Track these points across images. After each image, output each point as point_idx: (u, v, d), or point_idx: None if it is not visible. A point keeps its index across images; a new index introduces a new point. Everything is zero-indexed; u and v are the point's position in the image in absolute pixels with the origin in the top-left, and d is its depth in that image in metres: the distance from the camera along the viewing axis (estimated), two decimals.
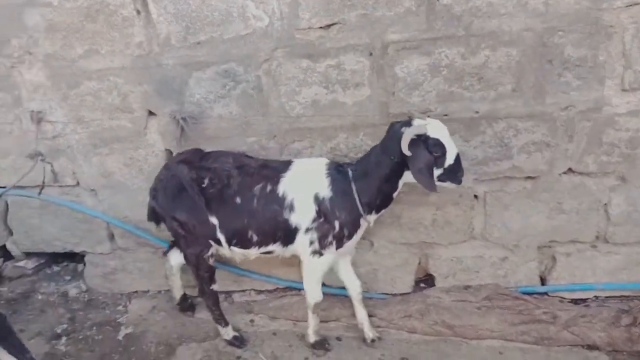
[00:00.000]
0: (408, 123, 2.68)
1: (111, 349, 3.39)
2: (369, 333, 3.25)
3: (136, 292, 3.86)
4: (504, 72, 2.84)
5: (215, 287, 3.22)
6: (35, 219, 3.78)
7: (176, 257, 3.42)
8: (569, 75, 2.80)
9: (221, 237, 3.00)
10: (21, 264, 4.00)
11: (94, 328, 3.59)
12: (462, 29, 2.79)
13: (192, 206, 2.93)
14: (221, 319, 3.34)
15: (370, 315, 3.36)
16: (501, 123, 2.96)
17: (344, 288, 3.53)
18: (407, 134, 2.59)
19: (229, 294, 3.78)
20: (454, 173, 2.71)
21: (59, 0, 3.09)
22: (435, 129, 2.64)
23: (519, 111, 2.91)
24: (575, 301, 3.31)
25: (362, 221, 2.92)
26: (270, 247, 3.01)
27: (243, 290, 3.76)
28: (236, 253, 3.09)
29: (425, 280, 3.58)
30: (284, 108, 3.15)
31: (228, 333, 3.36)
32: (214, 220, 2.95)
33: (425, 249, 3.40)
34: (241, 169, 2.95)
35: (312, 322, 3.20)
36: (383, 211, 2.97)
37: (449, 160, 2.67)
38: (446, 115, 2.99)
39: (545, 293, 3.35)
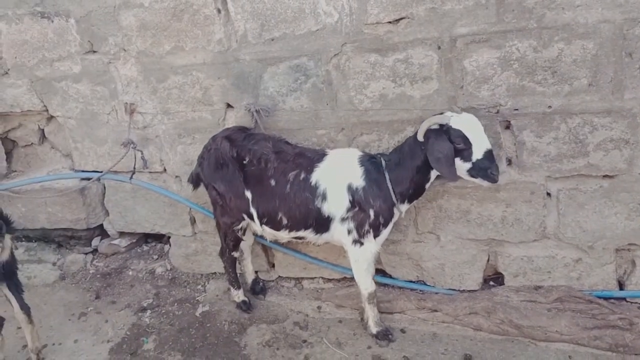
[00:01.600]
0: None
1: (189, 324, 3.66)
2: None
3: (214, 273, 4.12)
4: (579, 65, 2.72)
5: (235, 254, 3.53)
6: (128, 201, 4.15)
7: (247, 242, 3.62)
8: None
9: (254, 212, 3.17)
10: (115, 242, 4.40)
11: (175, 304, 3.89)
12: (534, 21, 2.71)
13: (231, 180, 3.15)
14: (235, 282, 3.65)
15: (434, 310, 3.38)
16: (576, 119, 2.84)
17: (410, 281, 3.58)
18: (426, 122, 2.72)
19: (299, 280, 3.94)
20: (484, 169, 2.69)
21: (150, 1, 3.37)
22: (461, 122, 2.68)
23: (596, 106, 2.78)
24: None
25: (395, 210, 2.98)
26: (302, 233, 3.13)
27: (312, 278, 3.89)
28: (267, 232, 3.26)
29: (495, 278, 3.51)
30: (352, 102, 3.22)
31: (238, 296, 3.68)
32: (248, 194, 3.14)
33: (494, 246, 3.33)
34: (279, 154, 3.08)
35: (371, 312, 3.27)
36: (415, 201, 3.06)
37: (477, 154, 2.68)
38: (517, 110, 2.92)
39: (624, 299, 3.17)
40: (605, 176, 2.93)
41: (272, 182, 3.06)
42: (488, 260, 3.39)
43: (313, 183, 3.00)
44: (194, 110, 3.60)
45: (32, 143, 4.50)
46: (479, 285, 3.46)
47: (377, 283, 3.65)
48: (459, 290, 3.49)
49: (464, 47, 2.89)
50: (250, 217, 3.23)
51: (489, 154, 2.68)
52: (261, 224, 3.20)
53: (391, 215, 3.01)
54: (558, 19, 2.66)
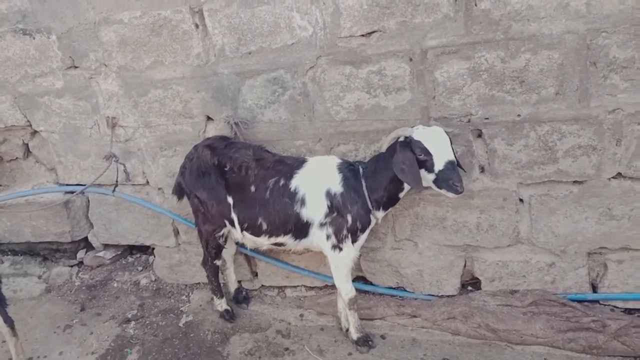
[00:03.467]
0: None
1: (173, 335, 3.70)
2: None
3: (198, 283, 4.17)
4: (545, 75, 2.80)
5: (217, 262, 3.57)
6: (112, 214, 4.19)
7: (229, 251, 3.68)
8: (616, 77, 2.72)
9: (235, 218, 3.23)
10: (100, 254, 4.43)
11: (160, 315, 3.93)
12: (501, 33, 2.79)
13: (213, 187, 3.21)
14: (217, 291, 3.71)
15: (414, 316, 3.44)
16: (545, 126, 2.92)
17: (390, 287, 3.63)
18: (391, 135, 2.87)
19: (281, 289, 3.99)
20: (446, 180, 2.75)
21: (129, 17, 3.43)
22: (423, 134, 2.77)
23: (563, 114, 2.86)
24: (628, 311, 3.18)
25: (371, 216, 3.06)
26: (281, 239, 3.18)
27: (295, 286, 3.94)
28: (247, 239, 3.31)
29: (473, 283, 3.58)
30: (328, 113, 3.29)
31: (221, 305, 3.74)
32: (230, 200, 3.21)
33: (470, 252, 3.40)
34: (259, 161, 3.16)
35: (352, 318, 3.33)
36: (390, 209, 3.14)
37: (438, 165, 2.74)
38: (487, 118, 3.00)
39: (597, 301, 3.24)
40: (575, 182, 3.00)
41: (253, 189, 3.13)
42: (465, 265, 3.45)
43: (292, 189, 3.06)
44: (175, 123, 3.66)
45: (17, 157, 4.53)
46: (457, 291, 3.52)
47: (357, 290, 3.72)
48: (437, 295, 3.56)
49: (435, 58, 2.96)
50: (232, 223, 3.29)
51: (450, 165, 2.73)
52: (242, 230, 3.26)
53: (368, 221, 3.07)
54: (524, 30, 2.75)
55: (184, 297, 4.12)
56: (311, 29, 3.12)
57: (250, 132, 3.46)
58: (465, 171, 3.07)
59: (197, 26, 3.34)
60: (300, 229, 3.11)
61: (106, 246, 4.46)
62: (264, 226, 3.15)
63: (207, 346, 3.56)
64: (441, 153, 2.74)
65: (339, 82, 3.20)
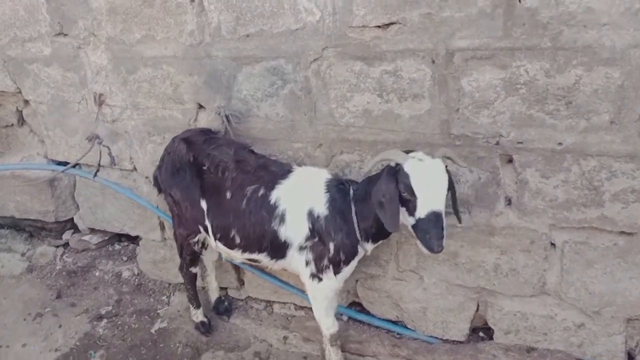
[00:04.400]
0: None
1: (142, 342, 3.35)
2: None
3: (182, 284, 3.77)
4: (600, 97, 2.20)
5: (193, 269, 3.22)
6: (98, 198, 3.85)
7: (210, 256, 3.27)
8: None
9: (208, 225, 2.80)
10: (86, 238, 4.12)
11: (134, 315, 3.58)
12: (548, 39, 2.20)
13: (187, 186, 2.79)
14: (193, 300, 3.34)
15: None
16: (591, 161, 2.32)
17: (388, 320, 3.15)
18: (380, 155, 2.33)
19: (269, 303, 3.56)
20: (423, 232, 2.20)
21: None
22: (415, 167, 2.20)
23: (617, 149, 2.26)
24: None
25: (359, 247, 2.59)
26: (256, 256, 2.75)
27: (284, 303, 3.51)
28: (221, 249, 2.88)
29: (486, 329, 3.04)
30: (332, 115, 2.79)
31: (197, 316, 3.37)
32: (204, 205, 2.78)
33: (485, 295, 2.86)
34: (239, 163, 2.71)
35: (334, 356, 2.90)
36: (381, 242, 2.63)
37: (420, 211, 2.19)
38: (521, 143, 2.43)
39: None
40: (622, 232, 2.41)
41: (228, 195, 2.69)
42: (477, 310, 2.92)
43: (272, 202, 2.61)
44: (164, 107, 3.23)
45: (12, 124, 4.24)
46: (464, 336, 3.00)
47: (350, 319, 3.27)
48: (441, 339, 3.05)
49: (463, 63, 2.40)
50: (206, 230, 2.86)
51: (433, 216, 2.17)
52: (215, 240, 2.83)
53: (354, 252, 2.60)
54: (578, 39, 2.15)
55: (164, 297, 3.75)
56: (319, 14, 2.60)
57: (242, 127, 3.00)
58: (460, 221, 2.49)
59: None
60: (277, 249, 2.66)
61: (93, 230, 4.13)
62: (237, 239, 2.72)
63: None
64: (428, 198, 2.18)
65: (347, 80, 2.68)
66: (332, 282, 2.65)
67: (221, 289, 3.57)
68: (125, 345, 3.33)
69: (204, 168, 2.76)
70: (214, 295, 3.49)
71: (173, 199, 2.89)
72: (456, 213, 2.44)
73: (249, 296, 3.60)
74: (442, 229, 2.17)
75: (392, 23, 2.47)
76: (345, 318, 3.32)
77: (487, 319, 2.91)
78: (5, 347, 3.38)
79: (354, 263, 2.67)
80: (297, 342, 3.28)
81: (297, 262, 2.67)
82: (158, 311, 3.61)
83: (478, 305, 2.91)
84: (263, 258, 2.74)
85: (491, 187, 2.59)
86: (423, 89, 2.54)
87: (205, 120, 3.15)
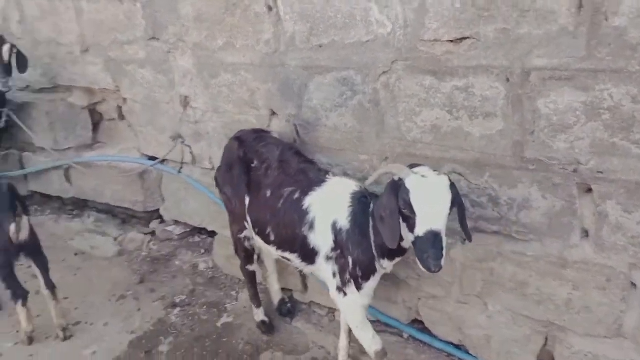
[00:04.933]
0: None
1: (207, 334, 3.49)
2: None
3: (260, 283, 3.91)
4: None
5: (250, 267, 3.27)
6: (181, 192, 4.07)
7: (270, 258, 3.38)
8: None
9: (248, 219, 2.91)
10: (170, 228, 4.38)
11: (204, 307, 3.75)
12: (637, 62, 1.97)
13: (237, 183, 2.90)
14: (254, 299, 3.40)
15: None
16: None
17: (450, 343, 3.03)
18: (382, 169, 2.32)
19: (332, 310, 3.56)
20: (421, 252, 2.11)
21: None
22: (418, 183, 2.11)
23: None
24: None
25: (376, 264, 2.51)
26: (288, 255, 2.79)
27: None
28: (260, 243, 2.99)
29: None
30: (400, 129, 2.72)
31: (258, 315, 3.44)
32: (247, 200, 2.88)
33: (554, 331, 2.65)
34: (282, 163, 2.78)
35: None
36: (397, 260, 2.53)
37: (419, 230, 2.10)
38: (601, 172, 2.21)
39: None
40: None
41: (268, 193, 2.77)
42: (545, 344, 2.71)
43: (305, 207, 2.63)
44: (241, 112, 3.34)
45: (114, 118, 4.61)
46: None
47: (411, 338, 3.18)
48: None
49: (540, 83, 2.23)
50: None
51: (431, 236, 2.07)
52: (255, 234, 2.95)
53: (372, 270, 2.54)
54: None
55: (233, 292, 3.89)
56: (390, 26, 2.54)
57: (311, 136, 3.03)
58: (469, 239, 2.38)
59: (270, 9, 2.94)
60: (307, 254, 2.68)
61: (176, 222, 4.38)
62: (272, 236, 2.79)
63: (235, 357, 3.29)
64: (427, 216, 2.08)
65: (416, 95, 2.60)
66: (356, 297, 2.60)
67: (286, 290, 3.63)
68: (192, 335, 3.50)
69: (253, 165, 2.87)
70: (276, 296, 3.56)
71: (227, 196, 3.04)
72: (464, 231, 2.34)
73: (312, 301, 3.62)
74: (441, 249, 2.09)
75: (465, 38, 2.35)
76: (405, 336, 3.24)
77: (554, 356, 2.70)
78: (89, 324, 3.68)
79: (374, 280, 2.59)
80: (355, 353, 3.23)
81: (326, 271, 2.67)
82: (226, 305, 3.75)
83: (546, 340, 2.71)
84: (295, 259, 2.78)
85: (566, 217, 2.39)
86: (496, 108, 2.39)
87: (277, 127, 3.21)
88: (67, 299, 3.91)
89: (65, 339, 3.49)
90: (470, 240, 2.39)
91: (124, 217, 4.63)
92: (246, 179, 2.87)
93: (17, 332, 3.48)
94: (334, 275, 2.61)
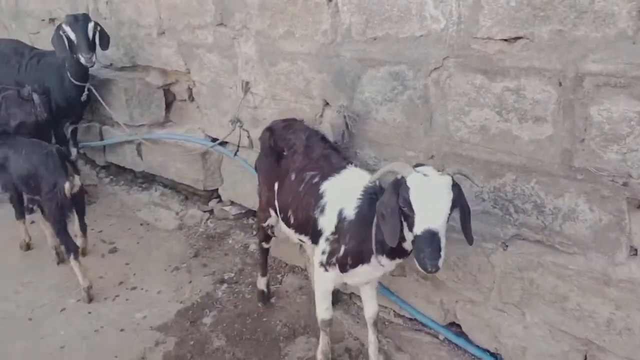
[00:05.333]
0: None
1: (249, 312, 3.62)
2: (373, 357, 3.00)
3: (296, 267, 4.00)
4: None
5: (265, 245, 3.51)
6: (238, 175, 4.23)
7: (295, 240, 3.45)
8: None
9: (277, 206, 3.03)
10: (226, 208, 4.56)
11: (250, 286, 3.88)
12: None
13: (267, 171, 3.07)
14: (262, 268, 3.63)
15: None
16: None
17: (485, 350, 2.97)
18: (386, 167, 2.31)
19: None
20: (418, 251, 2.10)
21: None
22: (418, 182, 2.11)
23: None
24: None
25: (373, 259, 2.53)
26: (303, 238, 2.91)
27: (384, 307, 3.49)
28: (285, 231, 3.11)
29: None
30: (448, 127, 2.67)
31: (260, 283, 3.66)
32: (275, 186, 3.01)
33: (593, 350, 2.52)
34: (307, 149, 2.88)
35: (321, 340, 3.04)
36: (398, 260, 2.50)
37: (417, 229, 2.09)
38: None
39: None
40: None
41: (293, 176, 2.88)
42: None
43: (321, 191, 2.72)
44: (296, 100, 3.41)
45: (185, 99, 4.84)
46: None
47: (447, 341, 3.14)
48: None
49: (593, 89, 2.12)
50: (276, 211, 3.10)
51: (428, 235, 2.06)
52: (281, 219, 3.07)
53: (363, 260, 2.58)
54: None
55: (279, 275, 3.99)
56: (443, 22, 2.50)
57: (359, 128, 3.04)
58: (470, 242, 2.33)
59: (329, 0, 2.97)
60: (315, 235, 2.77)
61: (232, 202, 4.55)
62: (292, 219, 2.91)
63: (271, 337, 3.40)
64: (426, 216, 2.07)
65: (466, 93, 2.54)
66: (335, 276, 2.73)
67: None
68: (235, 311, 3.64)
69: (284, 153, 2.98)
70: None
71: (259, 183, 3.22)
72: (464, 232, 2.31)
73: (353, 292, 3.65)
74: (439, 249, 2.06)
75: (518, 37, 2.28)
76: (441, 337, 3.20)
77: None
78: (144, 290, 3.93)
79: (364, 268, 2.62)
80: (389, 348, 3.25)
81: (319, 247, 2.75)
82: (270, 287, 3.86)
83: (585, 359, 2.58)
84: (307, 241, 2.89)
85: (613, 232, 2.26)
86: (546, 113, 2.30)
87: (330, 117, 3.24)
88: (128, 265, 4.21)
89: (84, 254, 4.11)
90: (470, 243, 2.36)
91: (186, 193, 4.86)
92: (276, 167, 2.99)
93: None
94: (323, 253, 2.71)
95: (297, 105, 3.42)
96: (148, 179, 5.24)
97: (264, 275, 3.65)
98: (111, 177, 5.62)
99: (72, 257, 3.71)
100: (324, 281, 2.82)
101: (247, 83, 3.69)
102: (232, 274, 4.04)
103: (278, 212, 3.05)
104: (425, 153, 2.83)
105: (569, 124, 2.23)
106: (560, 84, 2.21)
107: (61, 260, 4.13)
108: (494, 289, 2.80)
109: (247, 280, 3.96)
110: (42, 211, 4.12)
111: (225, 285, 3.93)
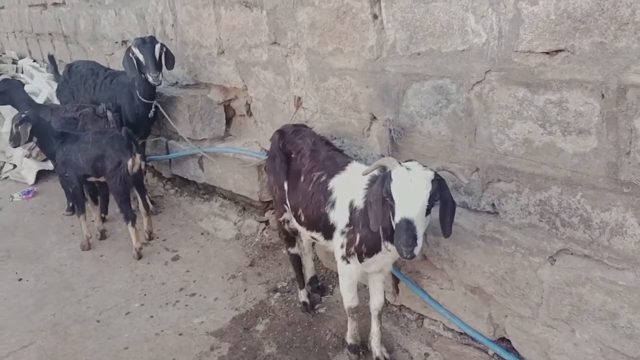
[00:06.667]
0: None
1: (300, 320, 3.72)
2: (375, 349, 3.22)
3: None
4: None
5: (292, 250, 3.67)
6: None
7: (305, 238, 3.66)
8: None
9: (288, 205, 3.28)
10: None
11: None
12: None
13: (278, 171, 3.28)
14: (298, 281, 3.79)
15: None
16: None
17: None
18: (377, 162, 2.51)
19: (421, 316, 3.58)
20: (396, 237, 2.30)
21: (319, 1, 3.35)
22: (400, 175, 2.29)
23: None
24: None
25: (382, 246, 2.70)
26: (315, 234, 3.13)
27: (434, 320, 3.49)
28: (295, 225, 3.37)
29: None
30: (491, 140, 2.67)
31: (301, 295, 3.80)
32: (286, 187, 3.24)
33: None
34: (313, 152, 3.12)
35: (349, 325, 3.24)
36: None
37: (397, 217, 2.28)
38: None
39: None
40: None
41: (302, 178, 3.11)
42: None
43: (329, 188, 2.95)
44: (345, 115, 3.50)
45: (244, 114, 5.06)
46: None
47: (497, 356, 3.10)
48: None
49: (637, 100, 2.07)
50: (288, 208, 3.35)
51: (404, 224, 2.24)
52: (293, 217, 3.30)
53: (377, 248, 2.74)
54: None
55: (330, 285, 4.08)
56: (485, 36, 2.52)
57: (405, 141, 3.09)
58: (445, 235, 2.48)
59: (375, 17, 3.05)
60: (328, 230, 2.99)
61: None
62: (303, 217, 3.13)
63: (320, 346, 3.47)
64: (404, 205, 2.26)
65: (509, 106, 2.54)
66: (357, 266, 2.90)
67: None
68: (286, 320, 3.76)
69: (292, 156, 3.22)
70: (309, 274, 3.90)
71: (270, 183, 3.42)
72: (442, 224, 2.46)
73: (402, 305, 3.67)
74: (414, 238, 2.22)
75: (559, 50, 2.26)
76: (490, 352, 3.16)
77: None
78: (203, 297, 4.13)
79: (378, 258, 2.79)
80: (388, 339, 3.32)
81: (336, 243, 2.94)
82: (321, 296, 3.95)
83: None
84: (319, 237, 3.10)
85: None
86: (590, 125, 2.26)
87: (377, 130, 3.31)
88: (188, 272, 4.44)
89: (151, 238, 4.86)
90: (446, 236, 2.50)
91: (244, 204, 5.05)
92: (285, 167, 3.22)
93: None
94: (342, 246, 2.90)
95: (345, 119, 3.51)
96: (209, 191, 5.50)
97: (302, 287, 3.80)
98: (176, 188, 5.95)
99: (129, 223, 4.49)
100: (348, 273, 3.00)
101: (299, 98, 3.83)
102: (285, 283, 4.16)
103: (290, 210, 3.30)
104: (469, 165, 2.83)
105: (613, 137, 2.19)
106: (602, 96, 2.17)
107: (140, 257, 4.62)
108: (542, 304, 2.75)
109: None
110: (92, 198, 4.91)
111: (278, 294, 4.05)
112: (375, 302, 3.17)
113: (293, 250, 3.70)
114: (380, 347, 3.22)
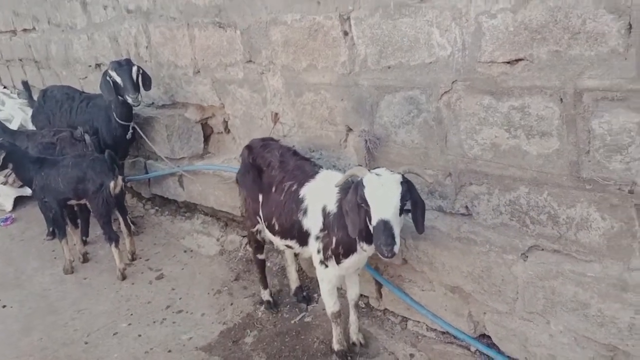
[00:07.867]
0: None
1: (287, 330, 3.80)
2: (353, 335, 3.45)
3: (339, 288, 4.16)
4: None
5: (260, 256, 3.87)
6: None
7: (290, 250, 3.70)
8: None
9: (261, 215, 3.40)
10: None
11: (288, 306, 4.05)
12: None
13: (250, 185, 3.43)
14: (262, 282, 4.00)
15: None
16: None
17: None
18: (348, 172, 2.69)
19: (404, 319, 3.69)
20: (375, 239, 2.45)
21: (291, 19, 3.48)
22: (372, 180, 2.47)
23: None
24: None
25: (357, 246, 2.82)
26: (289, 242, 3.27)
27: (417, 321, 3.61)
28: (268, 235, 3.52)
29: None
30: (461, 146, 2.83)
31: (265, 295, 4.02)
32: (260, 198, 3.38)
33: (619, 355, 2.57)
34: (282, 163, 3.27)
35: (334, 331, 3.34)
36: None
37: (374, 220, 2.45)
38: None
39: None
40: None
41: (274, 189, 3.26)
42: None
43: (300, 196, 3.09)
44: (322, 127, 3.63)
45: (221, 132, 5.14)
46: None
47: (479, 353, 3.23)
48: None
49: (592, 103, 2.24)
50: (261, 219, 3.47)
51: (382, 225, 2.39)
52: (266, 227, 3.44)
53: (352, 249, 2.87)
54: None
55: (315, 295, 4.16)
56: (449, 49, 2.67)
57: (382, 150, 3.22)
58: (418, 232, 2.66)
59: (345, 34, 3.20)
60: (302, 237, 3.13)
61: None
62: (276, 226, 3.27)
63: (309, 354, 3.55)
64: (379, 208, 2.42)
65: (476, 114, 2.70)
66: (335, 269, 3.02)
67: (363, 296, 3.83)
68: (274, 330, 3.83)
69: (264, 169, 3.37)
70: (293, 284, 4.06)
71: (243, 195, 3.57)
72: (415, 222, 2.62)
73: (386, 308, 3.78)
74: (392, 237, 2.37)
75: (519, 59, 2.43)
76: (472, 349, 3.29)
77: None
78: (189, 314, 4.17)
79: (354, 257, 2.92)
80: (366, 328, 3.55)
81: (313, 249, 3.08)
82: (307, 306, 4.04)
83: None
84: (294, 244, 3.24)
85: (625, 239, 2.35)
86: (551, 128, 2.42)
87: (353, 142, 3.44)
88: (174, 290, 4.48)
89: (134, 259, 4.92)
90: (419, 232, 2.67)
91: (226, 220, 5.12)
92: (259, 181, 3.37)
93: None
94: (318, 251, 3.03)
95: (322, 132, 3.63)
96: (190, 208, 5.55)
97: (265, 287, 4.02)
98: (156, 208, 5.98)
99: (113, 244, 4.56)
100: (328, 278, 3.13)
101: (276, 114, 3.94)
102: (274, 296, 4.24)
103: (262, 220, 3.43)
104: (443, 171, 2.98)
105: (573, 138, 2.35)
106: (561, 101, 2.34)
107: (124, 277, 4.66)
108: (518, 299, 2.89)
109: (285, 300, 4.15)
110: (72, 222, 4.91)
111: (264, 305, 4.13)
112: (352, 293, 3.38)
113: (261, 257, 3.90)
114: (358, 334, 3.46)
